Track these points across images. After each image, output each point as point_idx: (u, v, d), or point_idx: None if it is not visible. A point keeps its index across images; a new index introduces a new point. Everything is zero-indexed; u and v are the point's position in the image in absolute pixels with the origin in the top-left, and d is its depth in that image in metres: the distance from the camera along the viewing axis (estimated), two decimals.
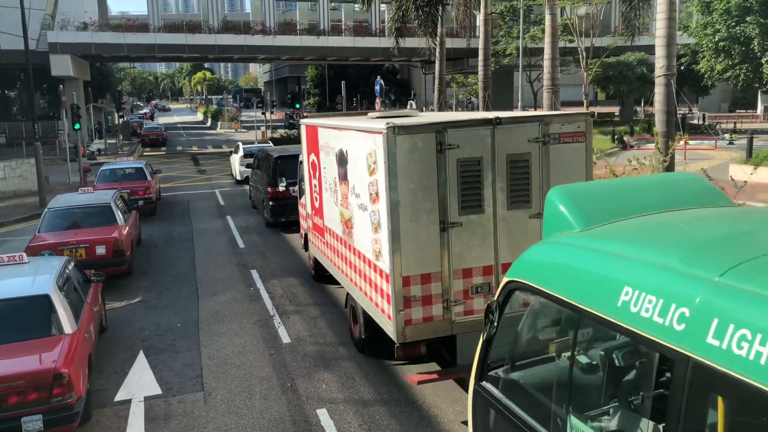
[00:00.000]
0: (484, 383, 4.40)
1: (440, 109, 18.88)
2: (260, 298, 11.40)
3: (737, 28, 22.04)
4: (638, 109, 60.25)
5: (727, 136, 36.74)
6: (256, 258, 14.20)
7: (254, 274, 12.92)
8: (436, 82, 18.97)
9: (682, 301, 2.83)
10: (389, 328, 7.11)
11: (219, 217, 19.10)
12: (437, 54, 19.16)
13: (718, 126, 47.78)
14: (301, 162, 12.02)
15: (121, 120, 65.77)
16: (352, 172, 8.18)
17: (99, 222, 12.86)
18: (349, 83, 78.41)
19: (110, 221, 12.94)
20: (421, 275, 6.85)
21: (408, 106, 20.77)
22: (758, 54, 22.00)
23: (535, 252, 4.15)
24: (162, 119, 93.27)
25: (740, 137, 37.51)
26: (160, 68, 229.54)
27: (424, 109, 63.42)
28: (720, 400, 2.66)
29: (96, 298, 9.18)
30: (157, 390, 7.92)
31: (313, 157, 10.66)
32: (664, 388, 3.08)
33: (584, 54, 36.76)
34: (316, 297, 11.28)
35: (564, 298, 3.61)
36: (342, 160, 8.63)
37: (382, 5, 43.37)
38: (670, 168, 9.46)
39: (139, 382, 8.13)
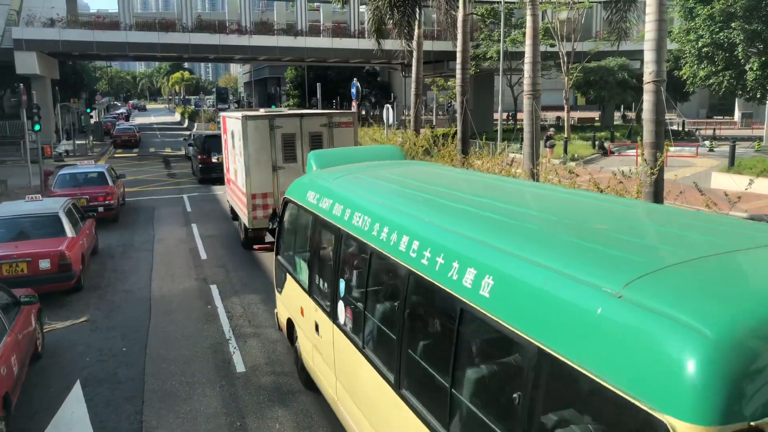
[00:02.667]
0: (279, 257, 8.56)
1: (417, 114, 18.12)
2: (217, 318, 10.50)
3: (721, 34, 21.58)
4: (617, 114, 60.15)
5: (707, 142, 36.54)
6: (217, 271, 13.28)
7: (214, 290, 12.01)
8: (413, 85, 18.18)
9: (363, 210, 5.41)
10: (245, 221, 13.90)
11: (184, 225, 18.11)
12: (414, 56, 18.37)
13: (697, 132, 47.76)
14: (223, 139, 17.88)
15: (92, 120, 64.21)
16: (235, 141, 14.88)
17: (45, 233, 11.87)
18: (328, 85, 77.61)
19: (57, 232, 11.95)
20: (261, 193, 13.43)
21: (385, 110, 20.00)
22: (742, 61, 21.56)
23: (295, 181, 7.96)
24: (139, 119, 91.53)
25: (720, 144, 37.38)
26: (139, 68, 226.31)
27: (405, 111, 62.96)
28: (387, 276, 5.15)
29: (26, 323, 8.23)
30: (88, 431, 7.01)
31: (225, 135, 17.20)
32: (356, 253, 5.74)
33: (565, 58, 36.29)
34: None
35: (303, 205, 7.14)
36: (232, 135, 15.42)
37: (361, 7, 42.54)
38: (658, 181, 8.78)
39: (69, 422, 7.20)
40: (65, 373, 8.50)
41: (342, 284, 5.86)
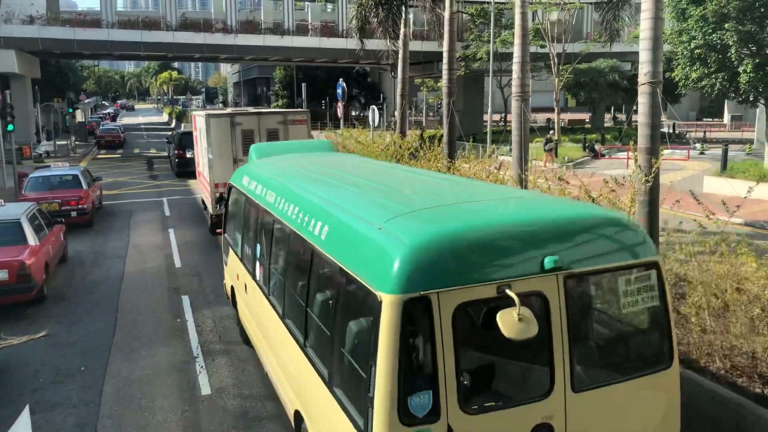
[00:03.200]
0: (225, 234, 9.95)
1: (403, 116, 17.51)
2: (186, 333, 9.86)
3: (714, 35, 21.11)
4: (608, 116, 59.87)
5: (698, 145, 36.20)
6: (191, 281, 12.62)
7: (185, 301, 11.37)
8: (399, 86, 17.57)
9: (273, 188, 6.91)
10: (210, 209, 15.47)
11: (161, 230, 17.43)
12: (400, 56, 17.79)
13: (688, 135, 47.49)
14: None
15: (75, 120, 63.29)
16: (201, 137, 16.35)
17: (5, 241, 11.17)
18: (318, 85, 76.93)
19: (18, 240, 11.26)
20: (223, 183, 13.58)
21: (371, 112, 19.45)
22: (735, 62, 21.10)
23: (237, 170, 9.60)
24: (126, 120, 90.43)
25: (711, 147, 37.05)
26: (129, 67, 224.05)
27: (395, 113, 62.41)
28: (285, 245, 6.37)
29: None
30: None
31: (195, 132, 18.34)
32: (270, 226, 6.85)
33: (556, 60, 35.84)
34: None
35: (240, 188, 8.51)
36: (200, 132, 16.73)
37: (349, 6, 41.98)
38: (654, 189, 8.24)
39: None
40: (14, 396, 7.84)
41: (258, 248, 7.49)
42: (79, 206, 17.15)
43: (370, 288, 3.92)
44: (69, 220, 16.66)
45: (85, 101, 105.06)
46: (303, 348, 5.33)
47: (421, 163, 15.03)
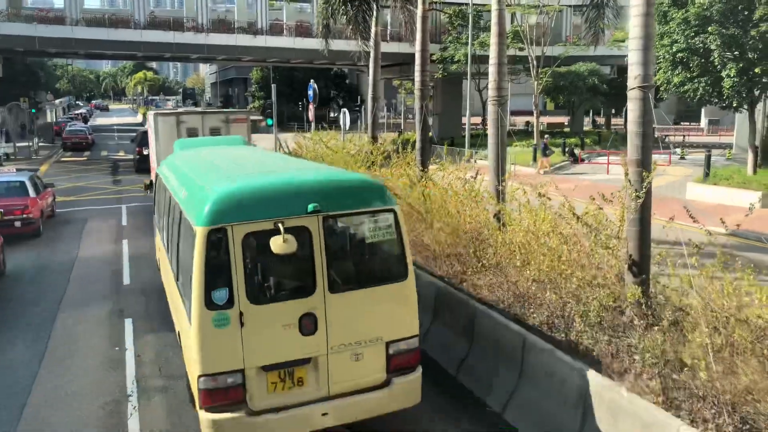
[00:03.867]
0: (155, 215, 11.84)
1: (374, 120, 16.50)
2: (123, 364, 8.76)
3: (696, 39, 20.46)
4: (586, 119, 59.54)
5: (678, 150, 35.77)
6: (137, 300, 11.50)
7: (128, 325, 10.25)
8: (369, 88, 16.57)
9: (174, 171, 8.91)
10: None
11: (114, 242, 16.23)
12: (372, 56, 16.80)
13: (666, 139, 47.19)
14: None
15: (36, 121, 61.40)
16: (152, 133, 17.78)
17: None
18: (295, 87, 75.64)
19: None
20: None
21: (342, 115, 18.51)
22: (718, 67, 20.47)
23: (163, 160, 11.25)
24: (100, 120, 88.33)
25: (691, 151, 36.64)
26: (105, 67, 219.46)
27: (379, 115, 61.32)
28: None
29: None
30: None
31: (150, 130, 18.96)
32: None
33: (535, 62, 35.16)
34: None
35: (160, 175, 10.17)
36: (151, 129, 17.95)
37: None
38: (645, 206, 7.35)
39: None
40: None
41: (164, 219, 9.16)
42: (25, 216, 15.91)
43: (192, 224, 5.87)
44: (13, 230, 15.47)
45: (56, 101, 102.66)
46: (176, 281, 7.35)
47: (392, 170, 14.05)
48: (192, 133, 16.38)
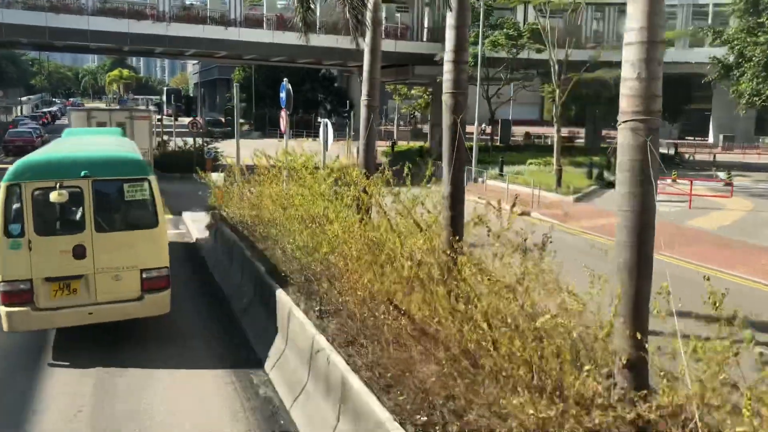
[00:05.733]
0: None
1: (370, 137, 10.87)
2: None
3: None
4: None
5: (721, 174, 30.33)
6: None
7: None
8: (364, 90, 10.95)
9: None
10: None
11: None
12: (367, 47, 11.24)
13: (689, 157, 41.96)
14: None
15: None
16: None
17: None
18: (279, 88, 69.93)
19: None
20: None
21: (322, 128, 12.95)
22: None
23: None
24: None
25: (736, 176, 31.19)
26: (87, 62, 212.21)
27: (376, 131, 55.98)
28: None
29: None
30: None
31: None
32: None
33: (557, 67, 29.72)
34: None
35: None
36: (70, 123, 24.30)
37: None
38: None
39: None
40: None
41: None
42: None
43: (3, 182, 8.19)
44: None
45: (23, 98, 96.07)
46: None
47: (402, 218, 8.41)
48: (101, 125, 19.90)
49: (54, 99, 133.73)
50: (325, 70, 72.25)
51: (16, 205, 8.13)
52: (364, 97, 10.48)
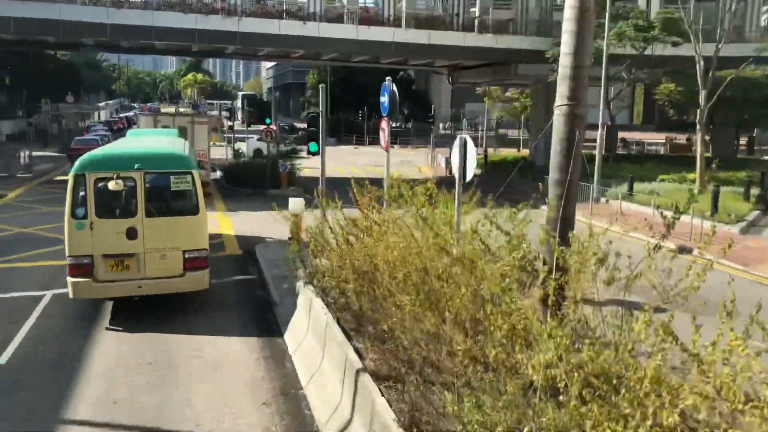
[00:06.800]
0: None
1: (574, 160, 6.53)
2: None
3: None
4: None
5: None
6: None
7: None
8: (562, 88, 6.12)
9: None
10: None
11: None
12: (571, 22, 6.49)
13: None
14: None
15: (31, 127, 53.86)
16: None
17: None
18: (358, 93, 66.13)
19: None
20: None
21: (458, 143, 8.38)
22: None
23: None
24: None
25: None
26: (165, 68, 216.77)
27: (442, 125, 50.82)
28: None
29: None
30: None
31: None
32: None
33: (702, 63, 24.13)
34: None
35: None
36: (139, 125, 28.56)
37: None
38: None
39: None
40: None
41: None
42: None
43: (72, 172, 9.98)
44: None
45: (101, 104, 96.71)
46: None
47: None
48: (165, 128, 21.29)
49: (133, 104, 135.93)
50: (402, 72, 68.04)
51: (81, 192, 9.80)
52: (561, 102, 5.85)
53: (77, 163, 9.99)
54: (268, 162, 26.20)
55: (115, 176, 9.63)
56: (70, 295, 9.93)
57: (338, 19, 31.03)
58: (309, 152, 14.65)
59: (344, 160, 39.66)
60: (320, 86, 14.69)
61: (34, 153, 37.29)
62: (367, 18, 29.57)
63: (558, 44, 27.96)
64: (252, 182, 25.95)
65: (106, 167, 9.81)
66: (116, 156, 10.41)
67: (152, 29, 26.21)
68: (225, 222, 19.77)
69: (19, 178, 28.71)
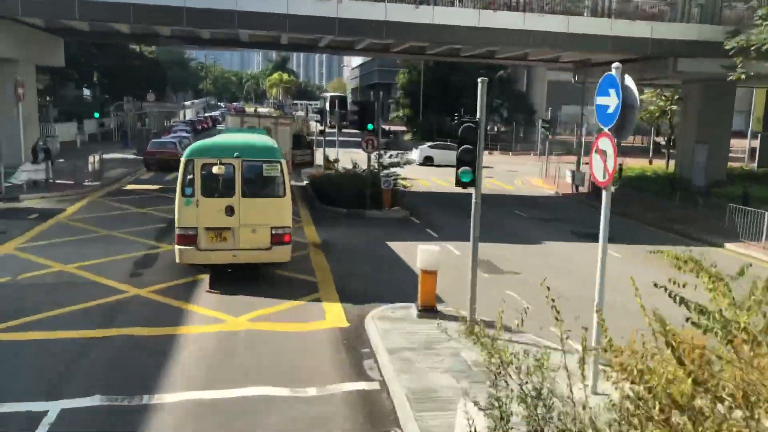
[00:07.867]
0: None
1: None
2: None
3: None
4: None
5: None
6: None
7: None
8: None
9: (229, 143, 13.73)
10: None
11: None
12: None
13: None
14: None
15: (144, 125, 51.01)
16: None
17: None
18: (450, 94, 60.67)
19: None
20: None
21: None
22: None
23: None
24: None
25: None
26: (251, 67, 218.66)
27: (551, 129, 44.55)
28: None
29: None
30: None
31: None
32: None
33: None
34: None
35: None
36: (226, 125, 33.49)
37: None
38: None
39: None
40: None
41: None
42: None
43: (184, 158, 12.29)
44: None
45: (187, 102, 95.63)
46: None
47: None
48: (251, 126, 24.58)
49: (219, 103, 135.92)
50: (502, 72, 61.99)
51: (189, 175, 11.91)
52: None
53: (187, 150, 12.55)
54: (368, 176, 21.30)
55: (218, 162, 11.75)
56: (177, 260, 11.97)
57: (451, 2, 25.69)
58: (459, 182, 9.41)
59: (443, 170, 34.42)
60: (480, 81, 9.44)
61: (111, 155, 34.32)
62: (492, 2, 24.09)
63: (735, 33, 21.27)
64: (348, 200, 21.21)
65: (211, 154, 12.08)
66: (220, 146, 12.73)
67: (235, 14, 21.79)
68: (320, 261, 14.85)
69: (86, 186, 25.13)
